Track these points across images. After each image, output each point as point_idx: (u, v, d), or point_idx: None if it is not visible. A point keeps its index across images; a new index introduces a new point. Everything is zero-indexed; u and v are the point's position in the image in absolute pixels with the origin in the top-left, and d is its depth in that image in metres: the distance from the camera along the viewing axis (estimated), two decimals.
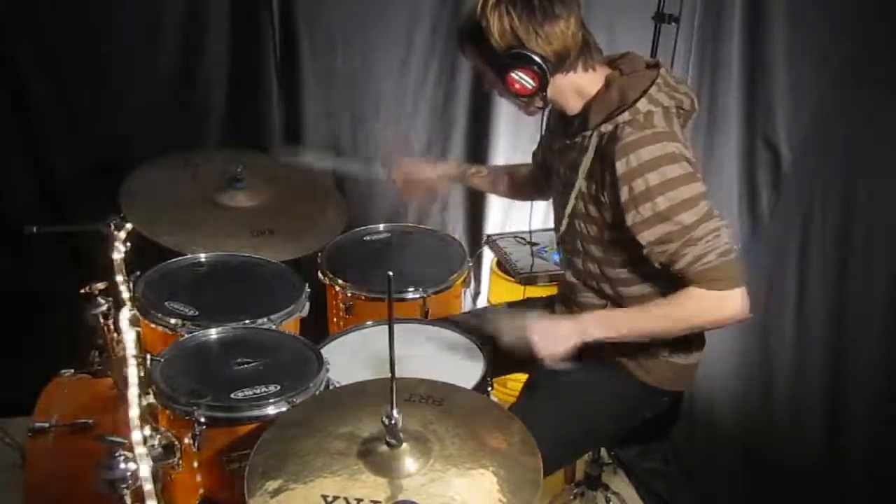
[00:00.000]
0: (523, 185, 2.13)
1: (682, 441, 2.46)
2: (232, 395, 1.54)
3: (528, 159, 2.08)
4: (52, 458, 1.71)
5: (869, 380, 1.98)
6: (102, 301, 1.72)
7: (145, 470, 1.26)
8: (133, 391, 1.52)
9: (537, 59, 1.53)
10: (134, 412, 1.47)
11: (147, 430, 1.52)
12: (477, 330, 1.85)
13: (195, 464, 1.56)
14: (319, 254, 2.20)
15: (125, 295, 1.80)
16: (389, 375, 1.24)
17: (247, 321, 1.82)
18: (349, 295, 2.10)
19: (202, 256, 2.07)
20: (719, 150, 2.36)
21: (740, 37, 2.27)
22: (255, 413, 1.53)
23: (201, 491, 1.58)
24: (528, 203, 2.17)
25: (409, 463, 1.26)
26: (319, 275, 2.16)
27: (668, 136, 1.53)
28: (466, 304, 2.35)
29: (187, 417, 1.51)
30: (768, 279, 2.19)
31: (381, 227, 2.42)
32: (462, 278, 2.19)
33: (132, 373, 1.57)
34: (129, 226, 1.91)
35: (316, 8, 2.52)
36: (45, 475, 1.69)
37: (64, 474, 1.67)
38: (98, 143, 2.53)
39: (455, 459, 1.28)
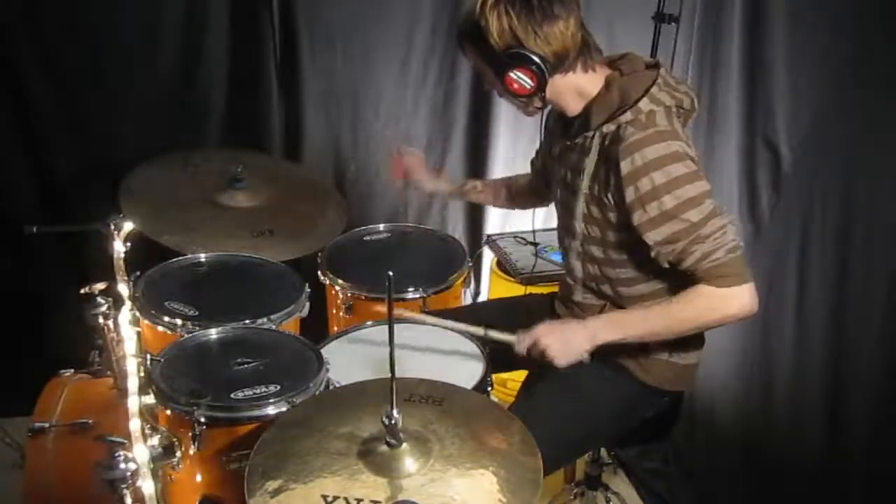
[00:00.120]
0: (522, 194, 2.13)
1: (682, 441, 2.46)
2: (232, 395, 1.54)
3: (529, 160, 2.08)
4: (52, 458, 1.70)
5: (869, 380, 1.98)
6: (102, 301, 1.71)
7: (145, 470, 1.26)
8: (133, 391, 1.53)
9: (536, 59, 1.53)
10: (134, 412, 1.48)
11: (147, 431, 1.53)
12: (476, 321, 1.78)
13: (195, 464, 1.56)
14: (319, 254, 2.20)
15: (125, 295, 1.81)
16: (389, 375, 1.24)
17: (247, 321, 1.81)
18: (349, 295, 2.10)
19: (202, 256, 2.06)
20: (719, 150, 2.36)
21: (740, 37, 2.27)
22: (255, 413, 1.52)
23: (201, 491, 1.58)
24: None
25: (409, 463, 1.26)
26: (319, 275, 2.16)
27: (671, 135, 1.53)
28: None
29: (187, 417, 1.51)
30: (768, 279, 2.19)
31: (381, 227, 2.42)
32: (462, 278, 2.19)
33: (132, 373, 1.57)
34: (128, 226, 1.92)
35: (316, 8, 2.52)
36: (44, 475, 1.68)
37: (64, 474, 1.67)
38: (98, 143, 2.53)
39: (455, 459, 1.28)
